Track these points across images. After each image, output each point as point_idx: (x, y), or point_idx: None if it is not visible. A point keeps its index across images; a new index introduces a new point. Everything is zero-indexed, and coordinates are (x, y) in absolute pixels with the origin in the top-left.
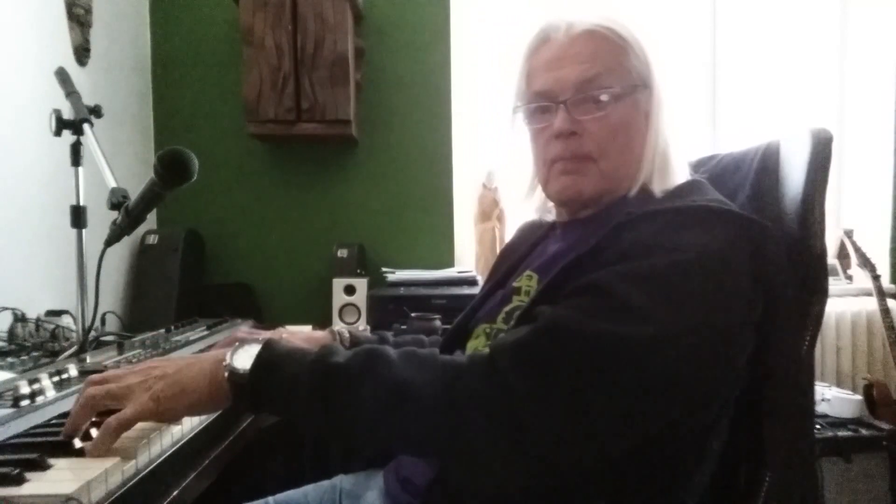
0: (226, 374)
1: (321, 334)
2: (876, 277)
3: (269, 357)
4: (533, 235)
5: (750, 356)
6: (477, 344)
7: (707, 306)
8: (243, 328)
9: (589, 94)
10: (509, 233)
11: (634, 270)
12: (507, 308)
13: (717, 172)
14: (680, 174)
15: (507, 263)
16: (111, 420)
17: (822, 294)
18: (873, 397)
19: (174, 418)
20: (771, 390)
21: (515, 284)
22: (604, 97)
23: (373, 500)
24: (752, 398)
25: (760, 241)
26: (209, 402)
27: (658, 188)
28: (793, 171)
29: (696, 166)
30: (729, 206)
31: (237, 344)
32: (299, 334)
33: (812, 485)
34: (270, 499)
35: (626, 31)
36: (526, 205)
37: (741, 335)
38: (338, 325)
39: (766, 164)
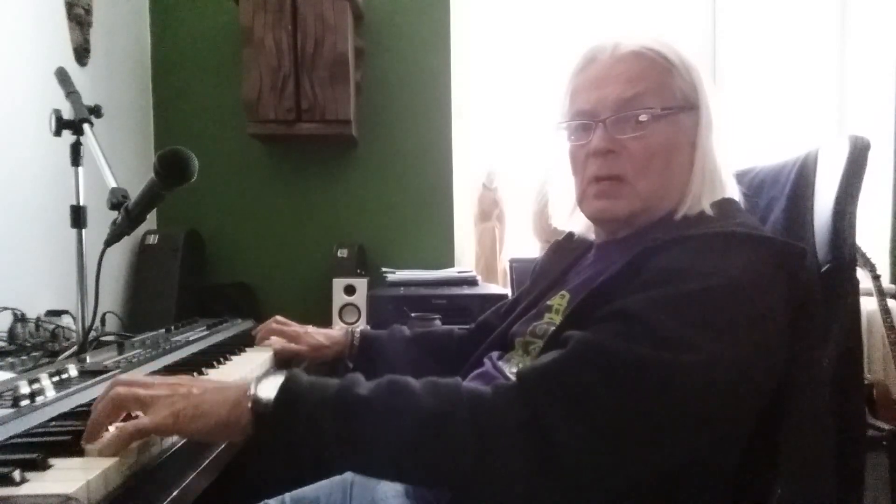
0: (249, 404)
1: (338, 333)
2: (876, 277)
3: (293, 388)
4: (568, 255)
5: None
6: (514, 355)
7: (742, 333)
8: (278, 317)
9: (628, 113)
10: (509, 233)
11: (666, 297)
12: (537, 323)
13: (756, 185)
14: (728, 191)
15: (544, 283)
16: (129, 425)
17: (845, 300)
18: (873, 397)
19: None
20: (789, 401)
21: (549, 303)
22: (643, 117)
23: (385, 489)
24: (767, 407)
25: (794, 264)
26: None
27: (707, 205)
28: (828, 179)
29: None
30: (759, 229)
31: (260, 375)
32: (320, 331)
33: (827, 494)
34: (287, 496)
35: (672, 52)
36: (569, 224)
37: (774, 361)
38: (338, 325)
39: (804, 175)
